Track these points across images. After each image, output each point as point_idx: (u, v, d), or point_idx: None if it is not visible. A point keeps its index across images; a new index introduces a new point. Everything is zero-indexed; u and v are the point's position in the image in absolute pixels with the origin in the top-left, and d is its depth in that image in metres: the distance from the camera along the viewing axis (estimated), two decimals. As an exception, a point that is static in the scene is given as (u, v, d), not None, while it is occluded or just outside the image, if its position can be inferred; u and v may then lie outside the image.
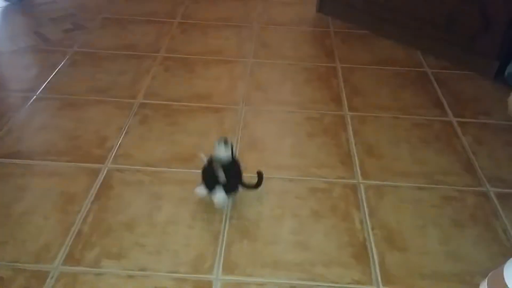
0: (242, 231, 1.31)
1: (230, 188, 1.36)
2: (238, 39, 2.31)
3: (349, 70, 2.09)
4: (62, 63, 2.04)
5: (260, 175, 1.38)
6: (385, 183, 1.49)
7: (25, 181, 1.44)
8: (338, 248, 1.27)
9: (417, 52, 2.25)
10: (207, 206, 1.38)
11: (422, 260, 1.25)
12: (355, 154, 1.60)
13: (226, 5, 2.64)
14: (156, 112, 1.76)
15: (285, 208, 1.39)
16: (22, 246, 1.24)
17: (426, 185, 1.49)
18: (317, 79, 2.02)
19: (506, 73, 2.02)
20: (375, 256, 1.26)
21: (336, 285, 1.18)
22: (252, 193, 1.43)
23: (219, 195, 1.34)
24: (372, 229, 1.33)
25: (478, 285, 1.17)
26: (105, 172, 1.49)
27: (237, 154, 1.51)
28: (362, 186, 1.48)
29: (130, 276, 1.18)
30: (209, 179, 1.35)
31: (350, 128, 1.73)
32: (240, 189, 1.39)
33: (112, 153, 1.56)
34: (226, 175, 1.30)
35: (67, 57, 2.09)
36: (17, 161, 1.52)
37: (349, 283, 1.19)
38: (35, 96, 1.83)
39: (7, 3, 2.56)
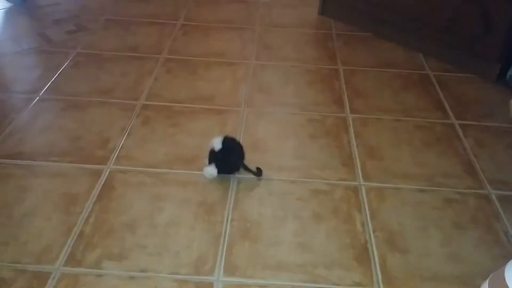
0: (243, 232, 1.31)
1: (221, 167, 1.46)
2: (240, 41, 2.31)
3: (351, 72, 2.10)
4: (65, 65, 2.05)
5: (259, 170, 1.49)
6: (386, 185, 1.50)
7: (27, 182, 1.45)
8: (340, 250, 1.27)
9: (419, 55, 2.25)
10: (209, 207, 1.38)
11: (423, 262, 1.25)
12: (357, 156, 1.61)
13: (229, 8, 2.65)
14: (158, 114, 1.77)
15: (287, 209, 1.39)
16: (23, 247, 1.24)
17: (428, 187, 1.49)
18: (319, 81, 2.02)
19: (507, 75, 2.02)
20: (376, 258, 1.26)
21: (337, 287, 1.18)
22: (253, 194, 1.43)
23: (209, 169, 1.46)
24: (374, 231, 1.33)
25: (479, 287, 1.16)
26: (107, 173, 1.49)
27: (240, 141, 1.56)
28: (363, 188, 1.48)
29: (131, 277, 1.18)
30: (210, 154, 1.48)
31: (351, 130, 1.73)
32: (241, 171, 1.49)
33: (114, 154, 1.56)
34: (221, 153, 1.45)
35: (70, 58, 2.10)
36: (19, 162, 1.52)
37: (350, 285, 1.19)
38: (38, 97, 1.83)
39: (10, 4, 2.57)
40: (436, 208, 1.42)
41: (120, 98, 1.84)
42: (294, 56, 2.21)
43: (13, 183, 1.44)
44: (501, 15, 1.91)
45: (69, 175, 1.48)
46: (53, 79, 1.95)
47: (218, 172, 1.47)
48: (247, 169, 1.50)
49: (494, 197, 1.47)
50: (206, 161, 1.49)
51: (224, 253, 1.25)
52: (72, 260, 1.21)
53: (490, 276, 1.11)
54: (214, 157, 1.47)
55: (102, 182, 1.45)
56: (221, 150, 1.45)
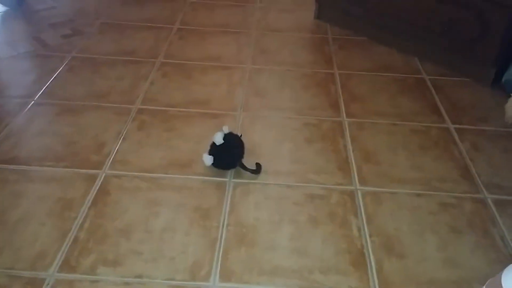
0: (239, 237, 1.31)
1: (217, 161, 1.49)
2: (236, 45, 2.31)
3: (347, 76, 2.10)
4: (61, 69, 2.04)
5: (258, 165, 1.52)
6: (382, 189, 1.49)
7: (21, 187, 1.44)
8: (336, 255, 1.27)
9: (414, 59, 2.25)
10: (205, 212, 1.38)
11: (419, 267, 1.25)
12: (353, 161, 1.60)
13: (225, 12, 2.65)
14: (154, 118, 1.76)
15: (283, 214, 1.39)
16: (17, 253, 1.23)
17: (424, 192, 1.49)
18: (315, 85, 2.02)
19: (503, 79, 2.02)
20: (373, 263, 1.25)
21: (333, 292, 1.18)
22: (249, 199, 1.43)
23: (207, 157, 1.49)
24: (370, 236, 1.33)
25: (476, 292, 1.16)
26: (102, 178, 1.48)
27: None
28: (359, 193, 1.48)
29: (126, 284, 1.17)
30: (210, 147, 1.52)
31: (348, 134, 1.73)
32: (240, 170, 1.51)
33: (110, 159, 1.56)
34: (220, 148, 1.48)
35: (66, 62, 2.09)
36: (14, 167, 1.51)
37: (346, 290, 1.18)
38: (33, 102, 1.83)
39: (6, 8, 2.56)
40: (432, 212, 1.42)
41: (116, 102, 1.84)
42: (290, 60, 2.21)
43: (7, 188, 1.43)
44: (497, 19, 1.91)
45: (64, 180, 1.47)
46: (48, 83, 1.94)
47: (214, 166, 1.49)
48: (244, 168, 1.49)
49: (490, 202, 1.47)
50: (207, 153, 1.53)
51: (220, 258, 1.24)
52: (66, 266, 1.21)
53: (487, 282, 1.11)
54: (214, 150, 1.50)
55: (97, 187, 1.45)
56: (221, 144, 1.48)
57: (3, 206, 1.37)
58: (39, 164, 1.52)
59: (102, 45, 2.24)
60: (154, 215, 1.36)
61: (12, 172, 1.49)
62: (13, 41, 2.25)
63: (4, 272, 1.18)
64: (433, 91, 2.02)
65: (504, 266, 1.06)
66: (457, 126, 1.81)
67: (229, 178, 1.50)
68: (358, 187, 1.50)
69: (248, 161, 1.54)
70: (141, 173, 1.51)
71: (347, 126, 1.78)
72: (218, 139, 1.48)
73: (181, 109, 1.82)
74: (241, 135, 1.57)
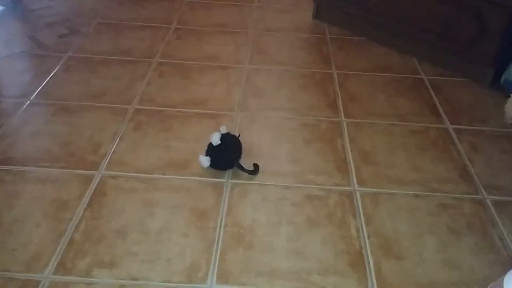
0: (237, 239, 1.30)
1: (214, 161, 1.49)
2: (234, 45, 2.30)
3: (345, 76, 2.09)
4: (57, 68, 2.03)
5: (256, 166, 1.51)
6: (381, 190, 1.48)
7: (17, 188, 1.42)
8: (334, 256, 1.26)
9: (413, 59, 2.24)
10: (202, 213, 1.37)
11: (418, 268, 1.24)
12: (351, 161, 1.59)
13: (222, 11, 2.64)
14: (150, 118, 1.75)
15: (281, 215, 1.38)
16: (12, 255, 1.22)
17: (423, 193, 1.48)
18: (313, 86, 2.01)
19: (502, 80, 2.02)
20: (371, 265, 1.24)
21: (332, 294, 1.17)
22: (247, 200, 1.42)
23: (203, 158, 1.48)
24: (368, 237, 1.32)
25: (476, 294, 1.16)
26: (98, 178, 1.47)
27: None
28: (358, 194, 1.47)
29: (122, 286, 1.16)
30: (207, 147, 1.51)
31: (346, 134, 1.72)
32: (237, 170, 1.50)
33: (106, 160, 1.54)
34: (217, 148, 1.48)
35: (62, 62, 2.07)
36: (9, 167, 1.50)
37: (345, 292, 1.17)
38: (28, 102, 1.81)
39: (2, 7, 2.54)
40: (431, 213, 1.41)
41: (112, 103, 1.82)
42: (288, 60, 2.20)
43: (2, 189, 1.41)
44: (495, 20, 1.91)
45: (59, 180, 1.45)
46: (44, 83, 1.93)
47: (211, 166, 1.49)
48: (242, 168, 1.48)
49: (489, 202, 1.46)
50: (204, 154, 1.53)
51: (217, 260, 1.23)
52: (62, 268, 1.19)
53: (489, 287, 1.10)
54: (211, 150, 1.49)
55: (93, 188, 1.43)
56: (218, 145, 1.48)
57: (-3, 207, 1.35)
58: (34, 165, 1.51)
59: (98, 45, 2.22)
60: (151, 216, 1.35)
61: (7, 172, 1.48)
62: (9, 40, 2.23)
63: (-1, 274, 1.17)
64: (432, 92, 2.01)
65: (503, 267, 1.05)
66: (455, 126, 1.80)
67: (226, 179, 1.49)
68: (356, 188, 1.49)
69: (246, 161, 1.53)
70: (138, 174, 1.49)
71: (345, 126, 1.77)
72: (215, 140, 1.48)
73: (178, 109, 1.81)
74: (239, 136, 1.56)
